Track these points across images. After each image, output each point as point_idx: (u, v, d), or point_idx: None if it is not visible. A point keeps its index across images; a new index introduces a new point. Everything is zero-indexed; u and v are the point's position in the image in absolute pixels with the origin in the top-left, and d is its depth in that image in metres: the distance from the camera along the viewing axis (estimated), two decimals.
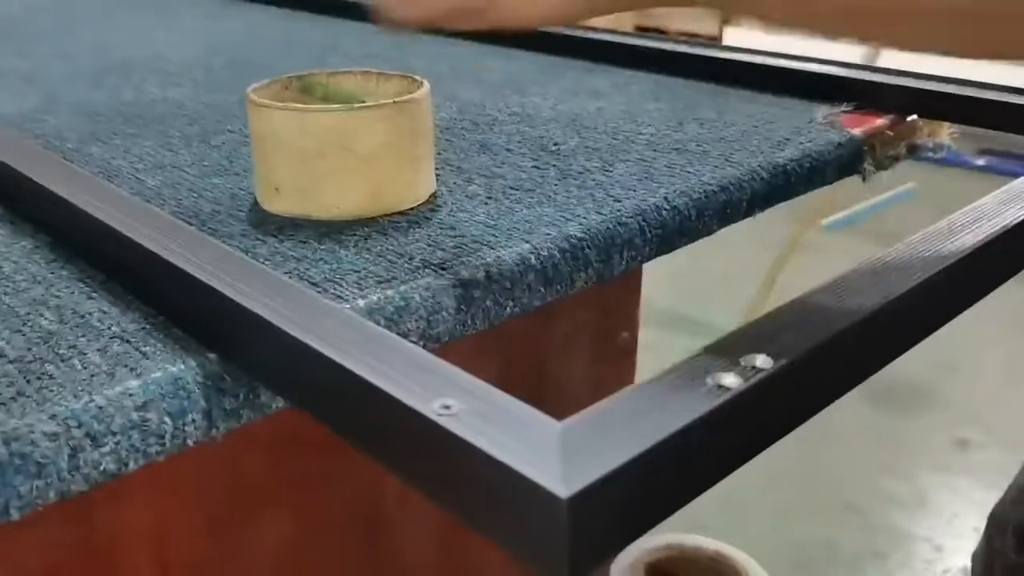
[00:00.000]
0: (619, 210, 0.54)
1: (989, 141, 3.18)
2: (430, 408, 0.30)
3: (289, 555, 0.71)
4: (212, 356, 0.40)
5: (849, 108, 0.74)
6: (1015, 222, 0.46)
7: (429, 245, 0.50)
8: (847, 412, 2.03)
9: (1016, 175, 0.54)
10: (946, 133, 0.75)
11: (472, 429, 0.29)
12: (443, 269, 0.47)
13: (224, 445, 0.42)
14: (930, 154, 0.76)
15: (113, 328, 0.42)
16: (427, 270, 0.47)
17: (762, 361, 0.33)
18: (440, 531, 0.80)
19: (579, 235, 0.51)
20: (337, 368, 0.34)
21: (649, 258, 0.55)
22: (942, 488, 1.83)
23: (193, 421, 0.40)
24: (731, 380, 0.32)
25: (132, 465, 0.37)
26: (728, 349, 0.34)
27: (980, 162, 3.30)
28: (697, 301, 2.51)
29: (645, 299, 1.18)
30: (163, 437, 0.38)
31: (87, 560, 0.57)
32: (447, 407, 0.31)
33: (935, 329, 0.43)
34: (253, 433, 0.43)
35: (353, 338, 0.35)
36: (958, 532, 1.71)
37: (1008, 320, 2.28)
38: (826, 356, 0.35)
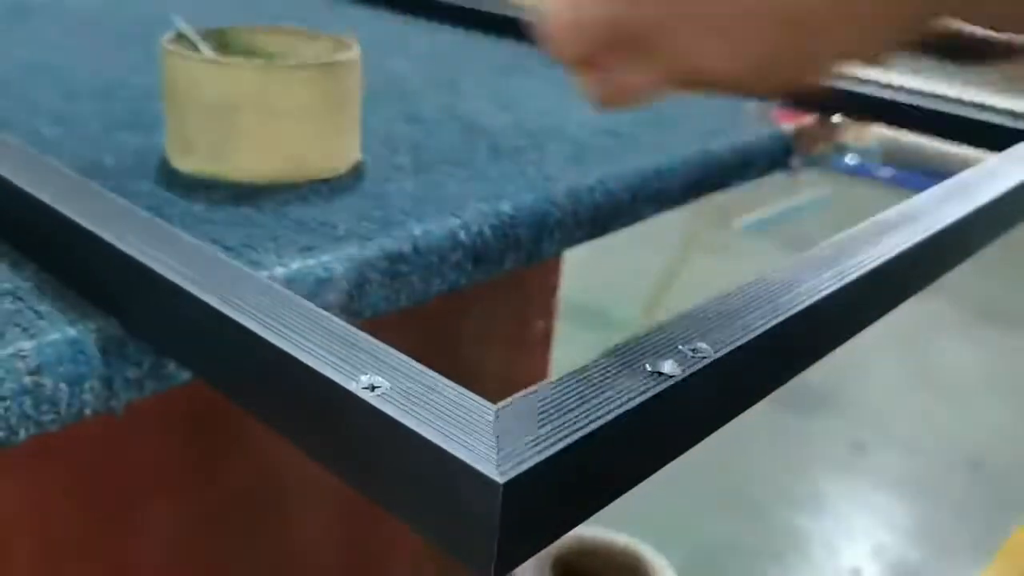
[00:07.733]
0: (552, 190, 0.52)
1: (896, 155, 3.24)
2: (356, 385, 0.28)
3: (181, 537, 0.67)
4: (114, 321, 0.37)
5: (778, 104, 0.73)
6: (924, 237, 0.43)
7: (354, 215, 0.48)
8: (750, 411, 2.06)
9: (918, 188, 0.54)
10: (871, 135, 0.75)
11: (401, 409, 0.27)
12: (369, 240, 0.45)
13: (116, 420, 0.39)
14: (852, 155, 0.76)
15: (4, 284, 0.39)
16: (352, 240, 0.45)
17: (703, 349, 0.32)
18: (341, 515, 0.77)
19: (511, 213, 0.49)
20: (255, 339, 0.31)
21: (579, 241, 0.54)
22: (839, 489, 1.87)
23: (92, 389, 0.37)
24: (669, 367, 0.31)
25: (23, 434, 0.34)
26: (665, 336, 0.32)
27: (886, 174, 3.39)
28: (603, 295, 2.51)
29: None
30: (58, 404, 0.35)
31: None
32: (374, 386, 0.28)
33: (854, 334, 0.41)
34: (145, 409, 0.40)
35: (273, 308, 0.33)
36: (852, 534, 1.75)
37: (905, 324, 2.34)
38: (766, 346, 0.34)
